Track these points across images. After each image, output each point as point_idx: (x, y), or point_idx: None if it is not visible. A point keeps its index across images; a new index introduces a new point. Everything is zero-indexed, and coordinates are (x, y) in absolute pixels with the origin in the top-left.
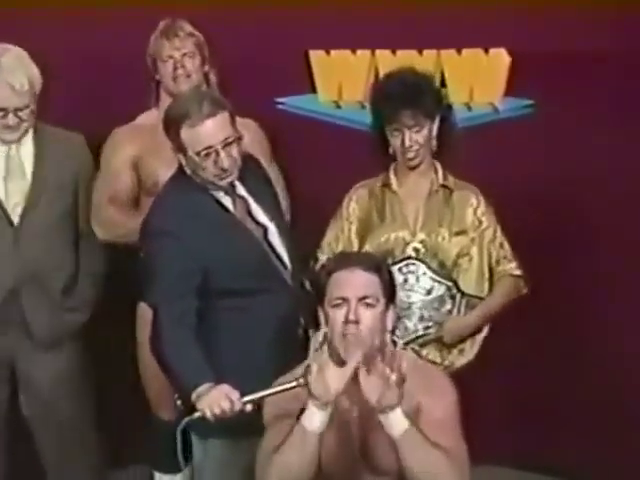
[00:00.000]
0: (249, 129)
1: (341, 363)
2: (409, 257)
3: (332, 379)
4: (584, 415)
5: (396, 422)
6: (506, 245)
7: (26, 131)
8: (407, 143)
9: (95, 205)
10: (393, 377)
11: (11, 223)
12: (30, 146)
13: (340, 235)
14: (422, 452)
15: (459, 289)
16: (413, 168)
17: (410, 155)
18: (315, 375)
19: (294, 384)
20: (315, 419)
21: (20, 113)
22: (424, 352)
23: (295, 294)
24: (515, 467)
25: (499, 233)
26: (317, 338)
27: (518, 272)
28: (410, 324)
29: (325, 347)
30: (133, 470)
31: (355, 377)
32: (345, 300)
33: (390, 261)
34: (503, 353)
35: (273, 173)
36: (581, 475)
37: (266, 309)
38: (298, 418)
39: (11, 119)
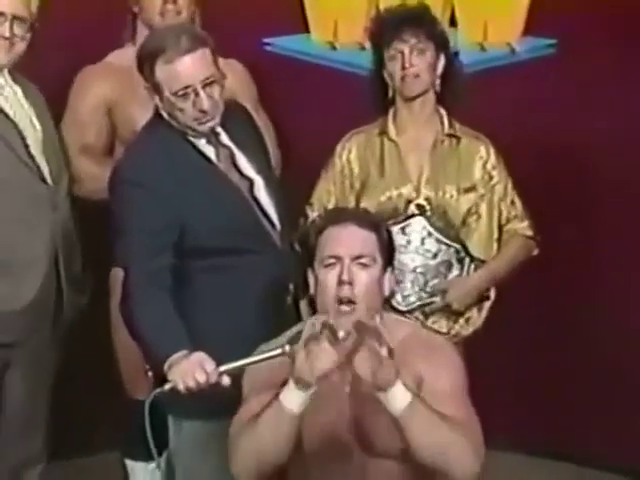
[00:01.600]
0: (234, 71)
1: (332, 333)
2: (412, 216)
3: (320, 358)
4: (597, 395)
5: (398, 397)
6: (518, 202)
7: (15, 58)
8: (407, 65)
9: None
10: (383, 351)
11: (45, 181)
12: (19, 89)
13: (332, 189)
14: (430, 425)
15: (468, 252)
16: (412, 98)
17: (409, 79)
18: (302, 352)
19: (278, 351)
20: (294, 399)
21: (17, 27)
22: (429, 321)
23: (284, 256)
24: (523, 452)
25: (510, 189)
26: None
27: (529, 232)
28: (413, 291)
29: (317, 322)
30: (103, 457)
31: (348, 351)
32: (338, 259)
33: (391, 221)
34: (511, 323)
35: (261, 122)
36: (597, 460)
37: (251, 272)
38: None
39: (7, 29)
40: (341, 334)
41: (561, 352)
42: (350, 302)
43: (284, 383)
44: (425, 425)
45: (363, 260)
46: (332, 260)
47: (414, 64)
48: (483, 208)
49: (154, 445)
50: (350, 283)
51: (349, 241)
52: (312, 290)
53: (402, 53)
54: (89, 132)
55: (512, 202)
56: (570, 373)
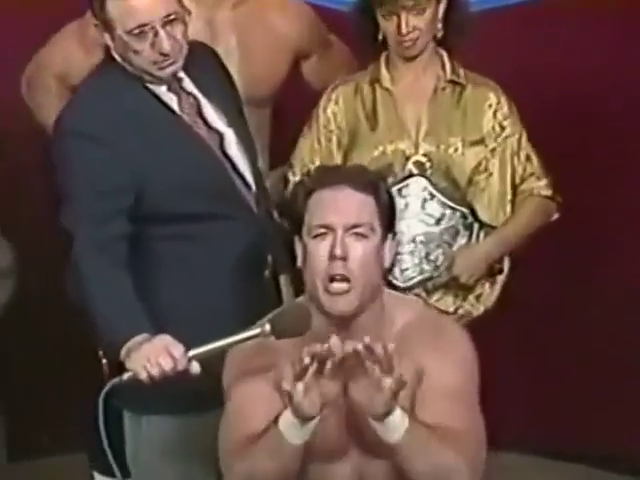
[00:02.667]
0: (295, 14)
1: (325, 314)
2: (411, 175)
3: (319, 392)
4: (613, 387)
5: (393, 427)
6: (534, 158)
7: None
8: (404, 29)
9: None
10: (387, 381)
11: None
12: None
13: (317, 147)
14: (425, 454)
15: (476, 217)
16: (410, 59)
17: (407, 44)
18: (299, 386)
19: (257, 331)
20: (297, 433)
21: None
22: (433, 299)
23: (261, 223)
24: (530, 452)
25: (525, 142)
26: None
27: (548, 192)
28: (412, 264)
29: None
30: (73, 458)
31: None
32: (329, 229)
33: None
34: (527, 300)
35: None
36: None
37: (222, 240)
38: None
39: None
40: (348, 348)
41: (576, 338)
42: (344, 279)
43: (270, 367)
44: (421, 452)
45: (359, 230)
46: (322, 230)
47: (411, 27)
48: (494, 164)
49: (117, 455)
50: (344, 258)
51: (343, 207)
52: (299, 263)
53: (397, 14)
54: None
55: (527, 157)
56: (585, 365)
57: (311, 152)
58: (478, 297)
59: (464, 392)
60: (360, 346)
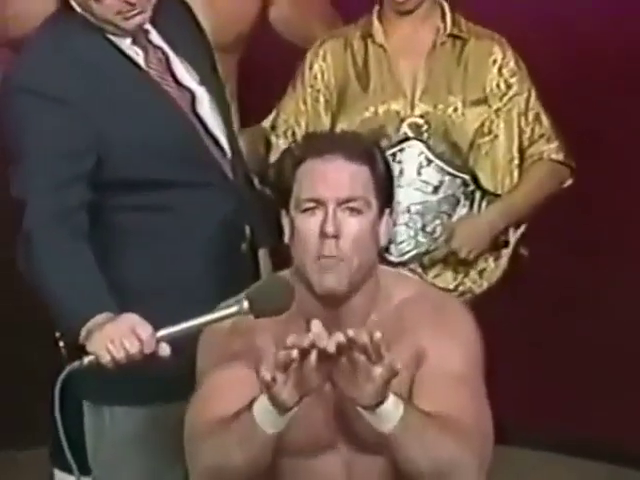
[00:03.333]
0: None
1: (314, 294)
2: (406, 139)
3: (303, 382)
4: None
5: (384, 417)
6: (544, 118)
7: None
8: None
9: None
10: (377, 370)
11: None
12: None
13: (302, 108)
14: (423, 446)
15: (479, 185)
16: (405, 13)
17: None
18: (280, 376)
19: (234, 309)
20: (271, 421)
21: None
22: (430, 275)
23: (238, 191)
24: (544, 448)
25: (534, 101)
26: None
27: (559, 156)
28: (407, 236)
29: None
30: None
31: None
32: (320, 204)
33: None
34: (535, 277)
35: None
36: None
37: (194, 211)
38: (242, 360)
39: None
40: (331, 347)
41: (590, 322)
42: (335, 257)
43: (248, 349)
44: (418, 443)
45: (353, 204)
46: (312, 204)
47: None
48: (499, 126)
49: (76, 451)
50: (336, 236)
51: (335, 179)
52: (287, 239)
53: None
54: None
55: (537, 118)
56: (602, 352)
57: (296, 113)
58: (481, 273)
59: (468, 377)
60: (343, 338)
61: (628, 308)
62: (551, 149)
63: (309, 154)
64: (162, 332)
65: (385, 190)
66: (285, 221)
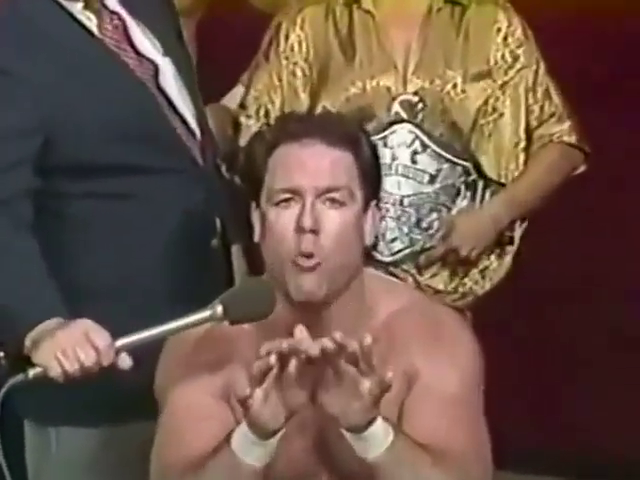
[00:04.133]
0: None
1: (290, 301)
2: (398, 121)
3: (285, 398)
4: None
5: (371, 442)
6: (554, 95)
7: None
8: None
9: None
10: (366, 384)
11: None
12: None
13: (276, 84)
14: (413, 473)
15: (481, 173)
16: None
17: None
18: (258, 393)
19: (206, 314)
20: (255, 453)
21: None
22: (426, 276)
23: (207, 179)
24: (551, 474)
25: (543, 75)
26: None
27: (572, 138)
28: (400, 233)
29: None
30: None
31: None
32: (296, 194)
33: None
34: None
35: None
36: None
37: (157, 200)
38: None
39: None
40: (314, 351)
41: (605, 327)
42: (313, 257)
43: (221, 363)
44: (408, 475)
45: (335, 195)
46: (287, 195)
47: None
48: (504, 103)
49: (16, 473)
50: (314, 231)
51: (313, 167)
52: (257, 237)
53: None
54: None
55: (546, 94)
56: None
57: (269, 90)
58: (483, 272)
59: (464, 400)
60: (329, 343)
61: None
62: (563, 130)
63: (283, 138)
64: (122, 341)
65: (371, 179)
66: (255, 216)
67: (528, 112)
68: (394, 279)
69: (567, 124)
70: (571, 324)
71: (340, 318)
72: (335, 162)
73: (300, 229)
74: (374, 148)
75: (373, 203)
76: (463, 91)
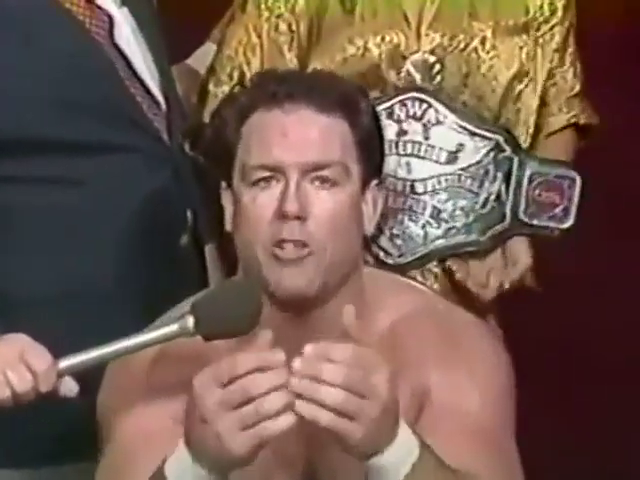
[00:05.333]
0: None
1: (271, 300)
2: (410, 88)
3: (267, 424)
4: None
5: (394, 462)
6: (577, 63)
7: None
8: None
9: None
10: (364, 404)
11: None
12: None
13: (255, 40)
14: None
15: (516, 147)
16: None
17: None
18: (226, 418)
19: (173, 328)
20: None
21: None
22: (434, 271)
23: (175, 161)
24: None
25: (572, 40)
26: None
27: (589, 119)
28: (413, 227)
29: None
30: None
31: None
32: (277, 172)
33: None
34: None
35: None
36: None
37: (112, 185)
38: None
39: None
40: (297, 365)
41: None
42: (303, 246)
43: (187, 380)
44: None
45: (326, 173)
46: (266, 173)
47: None
48: (538, 64)
49: None
50: (301, 217)
51: (299, 138)
52: (228, 225)
53: None
54: None
55: (572, 59)
56: None
57: (245, 48)
58: (516, 262)
59: (488, 425)
60: (298, 364)
61: None
62: (578, 110)
63: (261, 101)
64: (66, 362)
65: (371, 152)
66: (226, 198)
67: (548, 78)
68: (402, 278)
69: (584, 102)
70: None
71: (334, 322)
72: (326, 131)
73: (282, 215)
74: (375, 114)
75: (374, 182)
76: (494, 47)
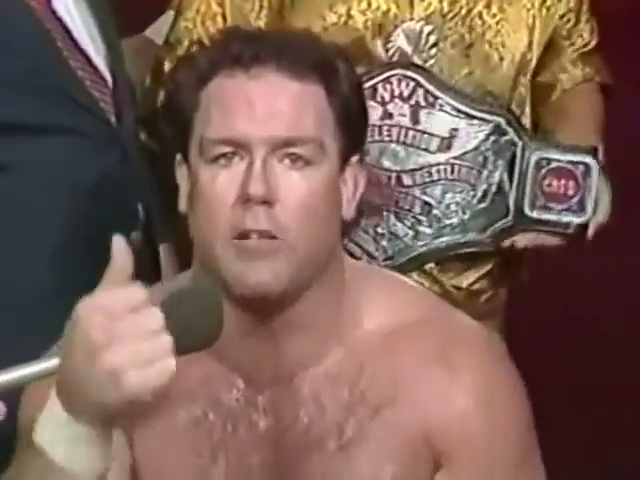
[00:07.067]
0: None
1: (233, 299)
2: (400, 65)
3: (150, 362)
4: None
5: None
6: (593, 21)
7: None
8: None
9: None
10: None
11: None
12: None
13: (215, 10)
14: None
15: (521, 126)
16: None
17: None
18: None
19: None
20: (82, 449)
21: None
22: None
23: (124, 147)
24: None
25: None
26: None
27: (606, 78)
28: (402, 224)
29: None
30: None
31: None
32: (241, 147)
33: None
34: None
35: None
36: None
37: (47, 175)
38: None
39: None
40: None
41: None
42: (270, 237)
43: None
44: None
45: (297, 150)
46: (228, 149)
47: None
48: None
49: None
50: (267, 202)
51: (266, 108)
52: (182, 205)
53: None
54: None
55: (587, 17)
56: None
57: (204, 18)
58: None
59: (516, 459)
60: None
61: None
62: (593, 67)
63: (223, 64)
64: None
65: (351, 124)
66: (181, 174)
67: (566, 36)
68: (399, 275)
69: (600, 61)
70: None
71: (308, 324)
72: (298, 101)
73: (246, 198)
74: (356, 78)
75: (354, 159)
76: (501, 10)
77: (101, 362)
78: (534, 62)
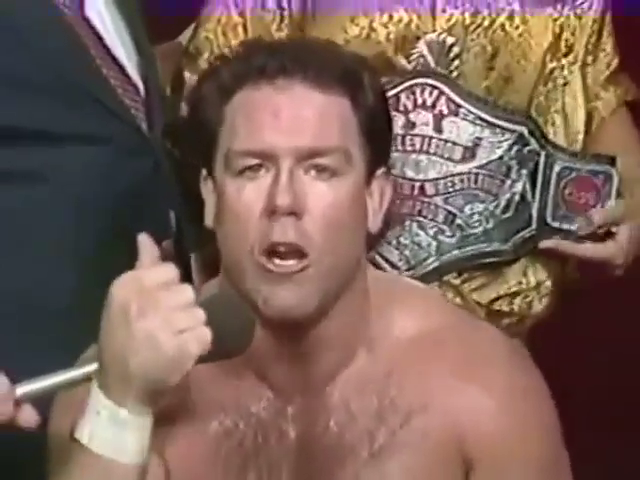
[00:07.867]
0: None
1: (260, 318)
2: (423, 73)
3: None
4: None
5: None
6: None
7: None
8: None
9: None
10: None
11: None
12: None
13: (236, 20)
14: None
15: (542, 139)
16: None
17: None
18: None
19: None
20: (128, 438)
21: None
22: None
23: (156, 155)
24: None
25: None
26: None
27: (629, 95)
28: (424, 235)
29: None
30: None
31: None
32: (267, 159)
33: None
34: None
35: None
36: None
37: (76, 184)
38: None
39: None
40: None
41: None
42: (295, 253)
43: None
44: None
45: (323, 160)
46: (254, 161)
47: None
48: (578, 39)
49: None
50: (295, 212)
51: (292, 119)
52: (209, 220)
53: None
54: None
55: (609, 28)
56: None
57: (225, 29)
58: (538, 287)
59: (550, 468)
60: None
61: None
62: (624, 86)
63: (249, 77)
64: (26, 387)
65: (377, 136)
66: (206, 189)
67: (587, 51)
68: (421, 285)
69: (625, 76)
70: None
71: (333, 339)
72: (324, 112)
73: (273, 209)
74: (381, 90)
75: (380, 171)
76: (523, 21)
77: (137, 329)
78: (548, 70)
